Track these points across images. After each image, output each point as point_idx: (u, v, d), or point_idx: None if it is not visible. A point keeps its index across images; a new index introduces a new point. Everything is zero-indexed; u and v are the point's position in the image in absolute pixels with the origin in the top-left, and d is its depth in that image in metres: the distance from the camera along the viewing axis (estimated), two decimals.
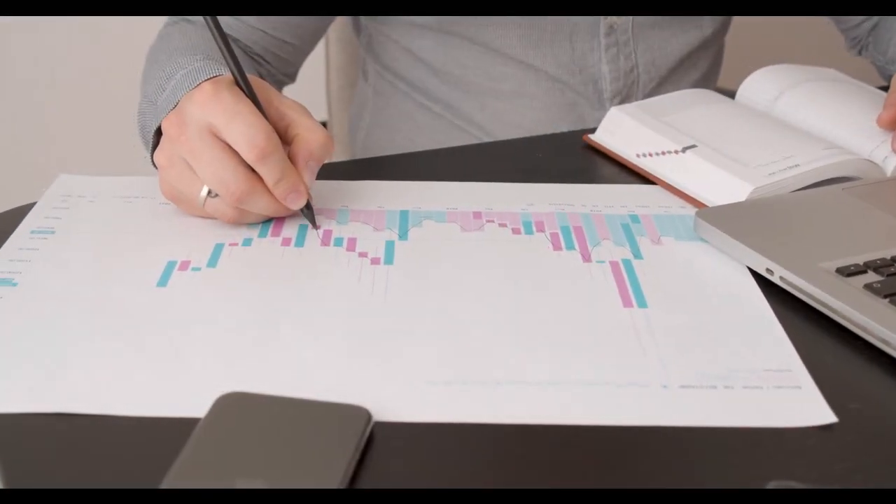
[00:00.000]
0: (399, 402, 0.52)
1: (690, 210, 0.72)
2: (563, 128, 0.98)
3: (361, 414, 0.50)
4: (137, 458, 0.48)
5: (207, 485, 0.45)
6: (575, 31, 0.98)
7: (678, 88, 1.03)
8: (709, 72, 1.08)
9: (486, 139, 1.00)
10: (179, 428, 0.49)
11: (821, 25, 1.15)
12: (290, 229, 0.68)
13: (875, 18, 1.05)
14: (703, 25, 1.05)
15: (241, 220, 0.68)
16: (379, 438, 0.50)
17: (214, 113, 0.64)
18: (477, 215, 0.71)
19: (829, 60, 0.98)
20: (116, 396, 0.51)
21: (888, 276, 0.61)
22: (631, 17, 0.98)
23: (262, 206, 0.67)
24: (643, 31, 1.01)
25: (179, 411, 0.51)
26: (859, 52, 1.09)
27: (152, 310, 0.59)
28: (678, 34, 1.04)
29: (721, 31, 1.09)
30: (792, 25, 1.61)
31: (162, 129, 0.68)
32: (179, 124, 0.65)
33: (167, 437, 0.49)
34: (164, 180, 0.68)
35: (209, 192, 0.66)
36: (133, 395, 0.52)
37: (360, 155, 1.12)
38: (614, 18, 0.98)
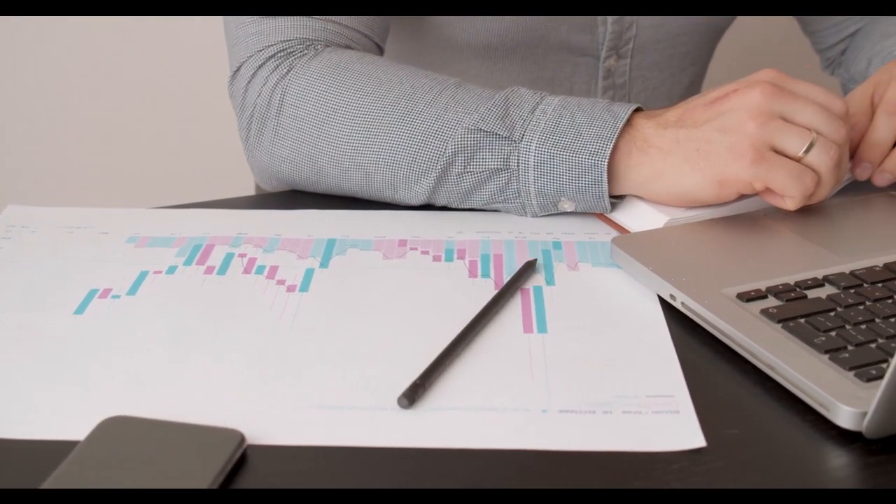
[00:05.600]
0: (280, 426, 0.53)
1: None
2: None
3: (234, 436, 0.51)
4: (18, 480, 0.50)
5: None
6: (575, 72, 1.01)
7: None
8: None
9: None
10: (66, 450, 0.51)
11: (802, 48, 1.17)
12: (216, 258, 0.71)
13: (846, 43, 1.09)
14: (697, 63, 1.07)
15: (837, 178, 0.71)
16: (253, 461, 0.51)
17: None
18: (402, 243, 0.73)
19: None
20: (8, 419, 0.54)
21: (787, 301, 0.61)
22: (628, 60, 1.01)
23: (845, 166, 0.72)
24: (640, 73, 1.03)
25: (68, 434, 0.52)
26: (832, 73, 1.13)
27: (63, 337, 0.61)
28: (676, 74, 1.06)
29: (705, 67, 1.12)
30: (772, 48, 1.62)
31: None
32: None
33: (53, 460, 0.50)
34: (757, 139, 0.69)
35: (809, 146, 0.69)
36: (25, 419, 0.54)
37: None
38: (612, 62, 1.00)
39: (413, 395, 0.55)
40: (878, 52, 0.98)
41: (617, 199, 0.75)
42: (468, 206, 0.77)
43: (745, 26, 1.48)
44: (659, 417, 0.54)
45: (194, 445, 0.51)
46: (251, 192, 1.21)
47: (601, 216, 0.76)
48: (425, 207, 0.78)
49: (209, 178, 1.72)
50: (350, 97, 0.76)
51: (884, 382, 0.49)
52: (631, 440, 0.52)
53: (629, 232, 0.73)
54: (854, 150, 0.78)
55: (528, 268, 0.68)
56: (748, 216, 0.73)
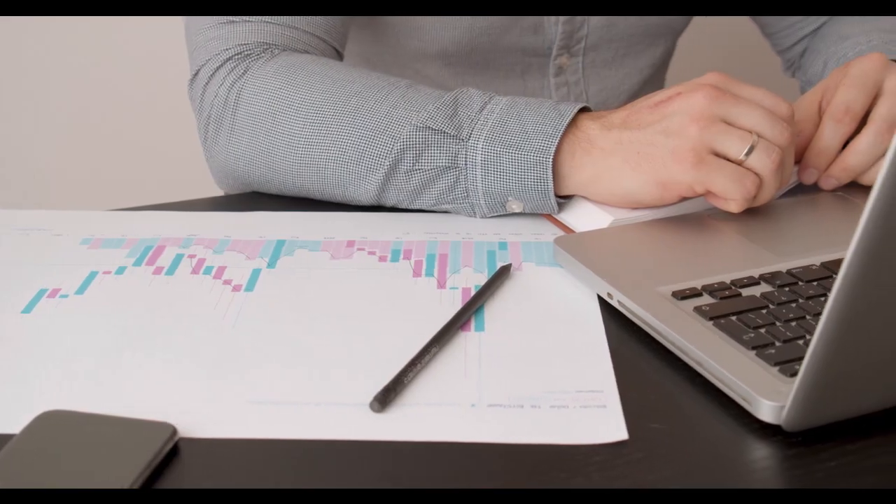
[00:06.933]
0: (214, 421, 0.54)
1: None
2: None
3: (166, 429, 0.52)
4: None
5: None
6: (527, 70, 1.02)
7: None
8: None
9: None
10: (3, 443, 0.52)
11: (764, 50, 1.18)
12: (165, 259, 0.72)
13: (805, 43, 1.10)
14: (655, 62, 1.09)
15: (780, 181, 0.72)
16: (185, 453, 0.52)
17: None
18: (350, 244, 0.74)
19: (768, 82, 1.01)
20: None
21: (721, 299, 0.62)
22: (581, 58, 1.02)
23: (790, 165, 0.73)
24: (595, 70, 1.04)
25: (7, 428, 0.53)
26: (793, 75, 1.14)
27: (8, 335, 0.62)
28: (632, 73, 1.07)
29: (665, 64, 1.13)
30: (734, 52, 1.63)
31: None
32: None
33: None
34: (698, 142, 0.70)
35: (749, 149, 0.69)
36: None
37: None
38: (564, 59, 1.01)
39: (385, 398, 0.56)
40: (832, 55, 0.99)
41: (564, 200, 0.76)
42: (418, 206, 0.78)
43: (713, 27, 1.50)
44: (585, 412, 0.55)
45: (126, 438, 0.52)
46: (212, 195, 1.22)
47: (549, 217, 0.78)
48: (377, 209, 0.79)
49: (170, 181, 1.73)
50: (303, 94, 0.78)
51: (799, 376, 0.50)
52: (555, 433, 0.53)
53: (574, 232, 0.74)
54: (801, 155, 0.80)
55: (505, 272, 0.69)
56: (693, 216, 0.74)
